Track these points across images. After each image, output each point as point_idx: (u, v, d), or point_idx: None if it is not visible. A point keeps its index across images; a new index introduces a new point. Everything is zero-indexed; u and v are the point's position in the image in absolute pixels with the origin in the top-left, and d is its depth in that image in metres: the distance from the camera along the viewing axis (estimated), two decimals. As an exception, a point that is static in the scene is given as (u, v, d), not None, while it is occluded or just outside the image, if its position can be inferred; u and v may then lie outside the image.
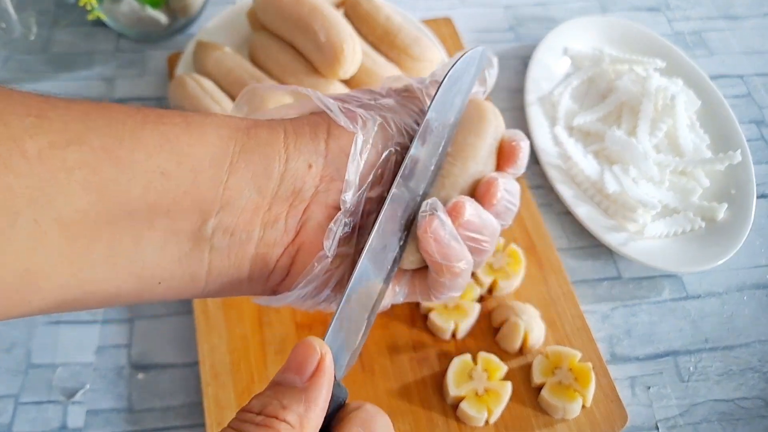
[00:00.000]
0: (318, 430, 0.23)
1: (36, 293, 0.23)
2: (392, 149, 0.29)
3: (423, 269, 0.32)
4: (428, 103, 0.32)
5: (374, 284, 0.29)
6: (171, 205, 0.24)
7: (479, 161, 0.32)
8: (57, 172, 0.22)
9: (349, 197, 0.28)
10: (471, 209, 0.29)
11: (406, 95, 0.33)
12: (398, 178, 0.29)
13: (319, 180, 0.28)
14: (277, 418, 0.22)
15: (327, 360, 0.24)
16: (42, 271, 0.23)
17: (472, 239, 0.29)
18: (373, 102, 0.31)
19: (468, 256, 0.29)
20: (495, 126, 0.33)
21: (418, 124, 0.31)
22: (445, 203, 0.29)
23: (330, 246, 0.28)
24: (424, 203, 0.29)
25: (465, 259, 0.29)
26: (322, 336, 0.25)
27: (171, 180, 0.24)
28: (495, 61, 0.35)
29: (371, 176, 0.29)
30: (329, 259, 0.28)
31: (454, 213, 0.29)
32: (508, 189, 0.31)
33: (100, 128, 0.23)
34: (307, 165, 0.27)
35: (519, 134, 0.33)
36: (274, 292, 0.30)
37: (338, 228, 0.28)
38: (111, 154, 0.23)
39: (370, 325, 0.29)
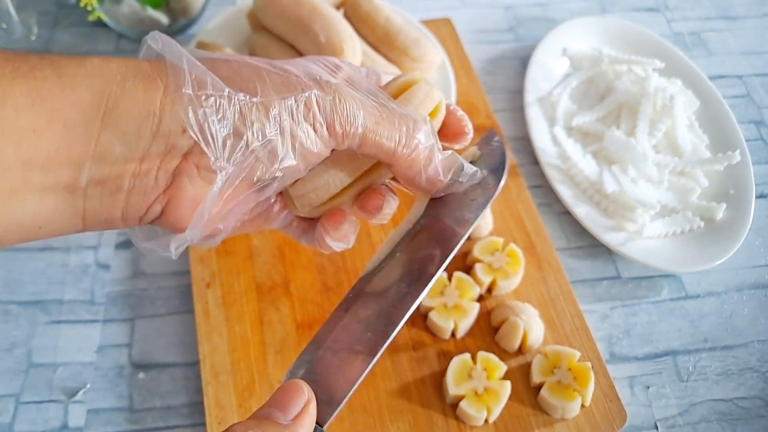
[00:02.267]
0: None
1: None
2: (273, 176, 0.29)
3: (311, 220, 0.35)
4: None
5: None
6: (45, 160, 0.25)
7: None
8: None
9: (197, 234, 0.29)
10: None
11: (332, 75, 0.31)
12: None
13: (193, 142, 0.27)
14: None
15: (312, 405, 0.26)
16: None
17: None
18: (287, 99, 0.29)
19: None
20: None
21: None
22: None
23: (195, 236, 0.29)
24: None
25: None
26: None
27: (43, 137, 0.24)
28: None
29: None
30: (196, 240, 0.29)
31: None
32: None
33: None
34: (181, 128, 0.27)
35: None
36: (151, 224, 0.31)
37: (199, 229, 0.29)
38: None
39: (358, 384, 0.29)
